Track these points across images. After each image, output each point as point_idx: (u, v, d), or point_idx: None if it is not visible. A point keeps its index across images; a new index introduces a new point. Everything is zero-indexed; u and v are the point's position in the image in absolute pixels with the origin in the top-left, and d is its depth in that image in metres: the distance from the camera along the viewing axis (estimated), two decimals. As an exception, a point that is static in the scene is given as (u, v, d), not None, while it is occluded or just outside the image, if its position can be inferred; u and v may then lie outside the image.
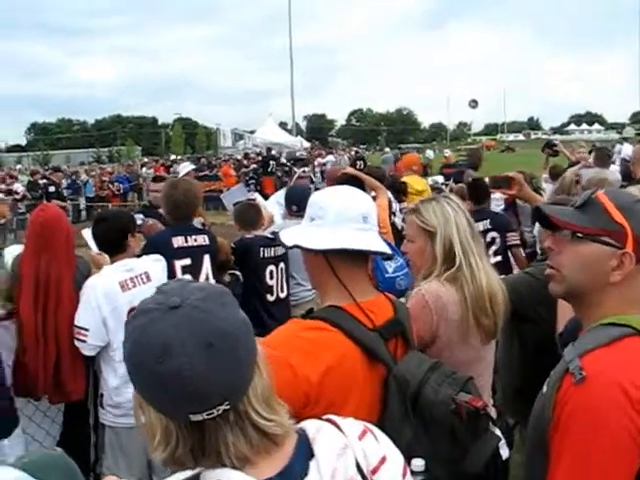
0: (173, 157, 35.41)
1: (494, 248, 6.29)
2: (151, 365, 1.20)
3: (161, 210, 6.31)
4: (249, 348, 1.29)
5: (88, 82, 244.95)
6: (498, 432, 2.16)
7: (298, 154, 25.52)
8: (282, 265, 5.58)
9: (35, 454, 1.47)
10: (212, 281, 4.81)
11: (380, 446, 1.41)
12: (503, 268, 4.53)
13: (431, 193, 7.82)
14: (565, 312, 3.26)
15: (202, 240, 4.91)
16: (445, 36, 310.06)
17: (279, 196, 7.86)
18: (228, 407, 1.23)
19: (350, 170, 6.32)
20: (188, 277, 4.60)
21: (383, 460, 1.38)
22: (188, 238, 4.83)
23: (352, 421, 1.43)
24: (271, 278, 5.47)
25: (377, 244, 2.18)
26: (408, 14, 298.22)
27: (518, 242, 6.51)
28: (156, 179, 8.24)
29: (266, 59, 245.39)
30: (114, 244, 4.22)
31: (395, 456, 1.44)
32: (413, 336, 2.31)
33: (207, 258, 4.89)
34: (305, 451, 1.32)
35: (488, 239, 6.22)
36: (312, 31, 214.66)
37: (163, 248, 4.53)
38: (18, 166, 39.30)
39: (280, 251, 5.51)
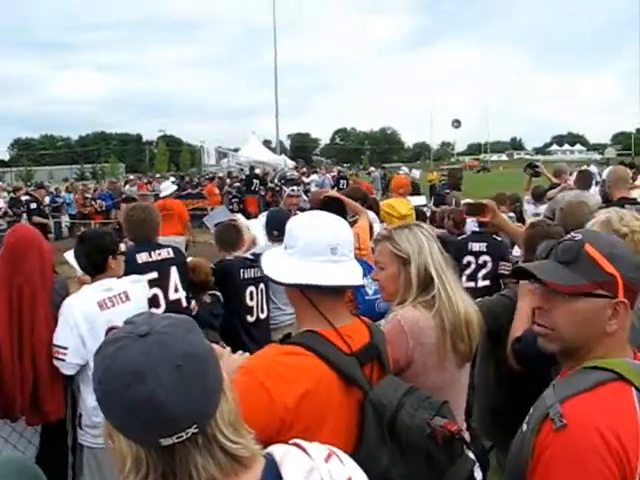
0: (158, 175, 35.32)
1: (484, 272, 6.34)
2: (122, 392, 1.22)
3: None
4: (215, 373, 1.32)
5: (72, 98, 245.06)
6: (472, 456, 2.18)
7: (289, 174, 25.57)
8: (262, 286, 5.59)
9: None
10: (182, 292, 4.96)
11: (345, 468, 1.43)
12: (489, 293, 4.54)
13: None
14: (522, 315, 3.33)
15: (166, 253, 5.02)
16: (429, 56, 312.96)
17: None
18: (197, 430, 1.26)
19: (332, 193, 6.38)
20: (156, 290, 4.75)
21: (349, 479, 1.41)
22: (152, 253, 4.94)
23: (317, 445, 1.45)
24: (251, 299, 5.47)
25: (345, 276, 2.17)
26: (392, 34, 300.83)
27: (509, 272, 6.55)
28: (126, 200, 8.11)
29: (251, 77, 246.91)
30: (96, 264, 4.22)
31: (360, 478, 1.47)
32: (389, 360, 2.33)
33: (174, 270, 4.99)
34: (273, 474, 1.34)
35: (480, 261, 6.33)
36: (297, 50, 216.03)
37: (128, 265, 4.52)
38: (0, 183, 39.09)
39: (260, 272, 5.48)
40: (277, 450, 1.40)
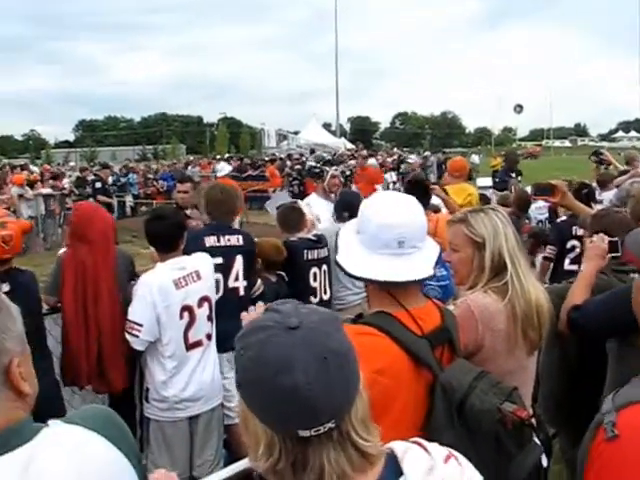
0: (219, 157, 35.56)
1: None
2: (268, 380, 1.24)
3: (188, 212, 6.46)
4: (356, 371, 1.34)
5: (136, 81, 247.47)
6: (539, 442, 2.17)
7: (326, 155, 25.55)
8: (325, 267, 5.61)
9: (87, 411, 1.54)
10: (242, 281, 4.91)
11: (464, 470, 1.43)
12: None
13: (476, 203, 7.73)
14: (585, 281, 3.31)
15: (235, 240, 4.97)
16: (493, 39, 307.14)
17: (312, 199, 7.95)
18: (334, 425, 1.28)
19: (437, 191, 6.28)
20: (218, 276, 4.74)
21: None
22: (221, 238, 4.90)
23: (437, 445, 1.45)
24: (314, 280, 5.50)
25: (410, 271, 2.16)
26: (456, 17, 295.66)
27: (551, 256, 6.50)
28: (182, 180, 8.14)
29: (312, 60, 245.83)
30: (171, 242, 4.30)
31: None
32: (459, 344, 2.33)
33: (239, 258, 4.94)
34: (393, 470, 1.35)
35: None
36: (359, 33, 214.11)
37: (195, 246, 4.60)
38: (71, 163, 39.94)
39: (323, 253, 5.57)
40: (398, 446, 1.40)
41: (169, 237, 4.29)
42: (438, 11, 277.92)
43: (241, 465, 2.47)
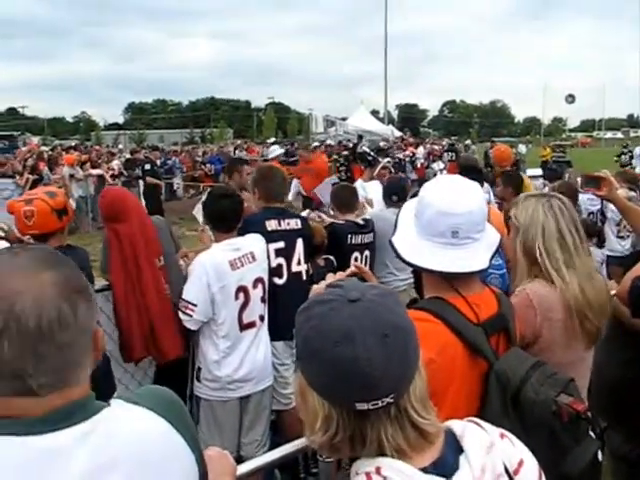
0: (269, 141, 35.62)
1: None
2: (329, 350, 1.25)
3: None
4: (416, 347, 1.35)
5: (185, 64, 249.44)
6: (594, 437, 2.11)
7: (382, 144, 25.32)
8: (367, 253, 5.59)
9: (148, 391, 1.53)
10: (303, 265, 4.87)
11: (517, 449, 1.42)
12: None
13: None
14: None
15: (295, 224, 4.90)
16: (544, 27, 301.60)
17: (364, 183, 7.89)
18: (392, 401, 1.28)
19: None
20: (281, 260, 4.71)
21: (521, 463, 1.39)
22: (281, 221, 4.83)
23: (490, 425, 1.45)
24: (354, 265, 5.44)
25: (464, 262, 2.12)
26: (506, 4, 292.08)
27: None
28: (236, 161, 8.11)
29: (360, 46, 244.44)
30: (231, 223, 4.33)
31: (531, 460, 1.44)
32: (516, 332, 2.28)
33: (300, 242, 4.89)
34: (454, 447, 1.35)
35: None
36: (409, 19, 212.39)
37: (257, 231, 4.57)
38: (120, 145, 40.47)
39: (368, 239, 5.54)
40: (456, 425, 1.40)
41: (231, 216, 4.31)
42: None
43: (290, 447, 2.46)
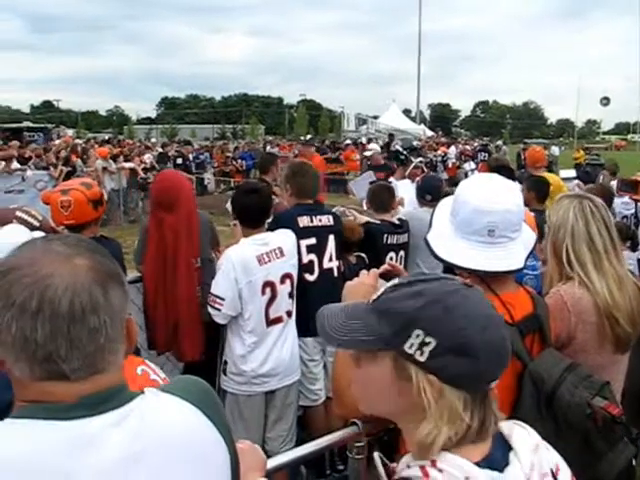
0: (303, 138, 35.65)
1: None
2: (480, 336, 1.26)
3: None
4: None
5: (219, 61, 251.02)
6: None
7: (415, 143, 25.26)
8: (402, 253, 5.55)
9: (183, 381, 1.52)
10: (335, 262, 4.84)
11: (552, 454, 1.41)
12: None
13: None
14: None
15: (327, 220, 4.87)
16: (579, 28, 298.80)
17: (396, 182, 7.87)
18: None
19: None
20: (312, 257, 4.69)
21: (558, 467, 1.38)
22: (313, 218, 4.80)
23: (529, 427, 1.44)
24: (389, 265, 5.41)
25: (500, 261, 2.11)
26: (542, 5, 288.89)
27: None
28: (268, 156, 8.09)
29: (394, 45, 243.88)
30: (260, 216, 4.33)
31: (565, 466, 1.43)
32: (550, 333, 2.25)
33: (332, 238, 4.85)
34: (502, 444, 1.34)
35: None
36: (443, 18, 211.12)
37: (289, 226, 4.55)
38: (153, 139, 40.72)
39: (403, 239, 5.50)
40: (503, 425, 1.39)
41: (260, 211, 4.31)
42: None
43: (317, 443, 2.46)
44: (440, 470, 1.23)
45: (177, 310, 4.30)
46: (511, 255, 2.13)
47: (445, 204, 2.29)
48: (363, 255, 5.30)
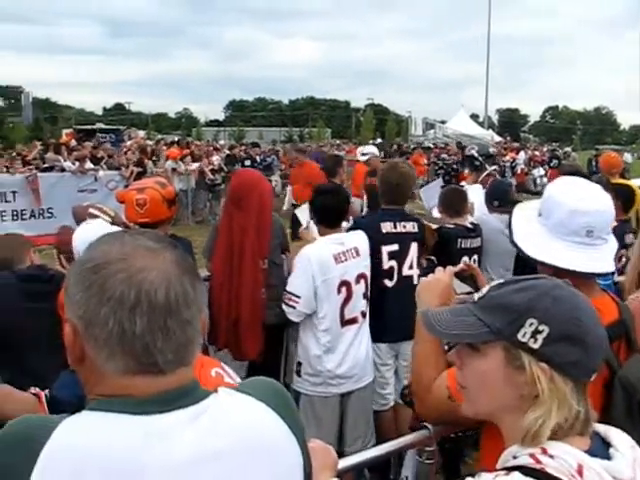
0: (371, 141, 35.63)
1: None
2: (594, 329, 1.34)
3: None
4: None
5: (287, 64, 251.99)
6: None
7: (491, 150, 24.99)
8: (475, 257, 5.46)
9: (257, 382, 1.51)
10: (415, 270, 4.76)
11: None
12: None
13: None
14: None
15: (411, 227, 4.81)
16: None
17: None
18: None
19: None
20: (393, 263, 4.65)
21: None
22: (397, 224, 4.73)
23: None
24: (463, 269, 5.35)
25: (598, 263, 2.08)
26: (613, 7, 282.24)
27: None
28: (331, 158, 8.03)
29: (462, 49, 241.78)
30: (339, 216, 4.35)
31: None
32: (637, 340, 2.19)
33: (414, 246, 4.81)
34: (601, 441, 1.35)
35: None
36: (512, 21, 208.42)
37: (371, 232, 4.53)
38: (221, 142, 41.23)
39: (476, 243, 5.44)
40: (597, 425, 1.40)
41: (339, 211, 4.33)
42: (597, 2, 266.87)
43: (385, 447, 2.45)
44: (551, 456, 1.25)
45: (240, 308, 4.34)
46: (604, 257, 2.10)
47: (524, 208, 2.29)
48: (433, 258, 5.24)
